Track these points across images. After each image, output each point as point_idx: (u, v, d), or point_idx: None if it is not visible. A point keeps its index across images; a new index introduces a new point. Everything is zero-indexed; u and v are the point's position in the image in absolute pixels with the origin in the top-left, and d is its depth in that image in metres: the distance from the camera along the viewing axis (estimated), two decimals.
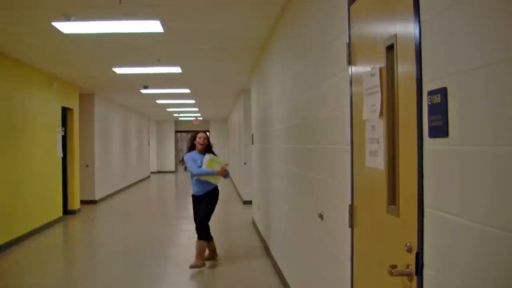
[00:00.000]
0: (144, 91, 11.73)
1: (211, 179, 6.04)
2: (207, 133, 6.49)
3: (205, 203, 6.11)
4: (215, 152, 6.33)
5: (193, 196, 6.30)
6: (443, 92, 1.55)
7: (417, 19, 1.72)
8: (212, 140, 6.52)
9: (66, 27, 5.54)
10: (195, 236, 6.21)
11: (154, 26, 5.62)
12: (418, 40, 1.72)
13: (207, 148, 6.20)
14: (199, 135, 6.22)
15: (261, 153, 7.31)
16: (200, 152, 6.16)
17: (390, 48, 1.98)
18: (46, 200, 9.04)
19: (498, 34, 1.29)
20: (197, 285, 5.68)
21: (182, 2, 5.02)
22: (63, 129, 10.29)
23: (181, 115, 22.04)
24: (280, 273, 5.40)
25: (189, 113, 20.94)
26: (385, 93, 2.04)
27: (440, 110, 1.56)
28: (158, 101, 14.89)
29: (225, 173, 6.05)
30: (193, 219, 6.43)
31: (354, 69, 2.54)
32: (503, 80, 1.27)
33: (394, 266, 1.86)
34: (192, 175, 6.12)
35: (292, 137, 4.58)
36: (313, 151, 3.67)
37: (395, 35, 1.93)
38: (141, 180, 20.00)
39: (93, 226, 10.30)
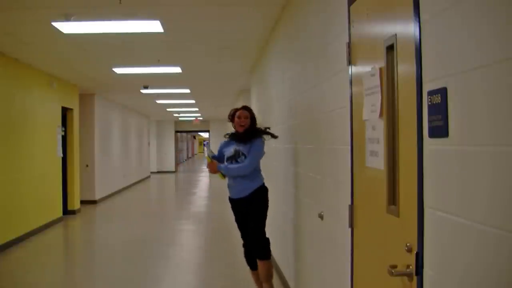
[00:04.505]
0: (144, 91, 11.73)
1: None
2: (250, 111, 4.64)
3: (254, 211, 4.47)
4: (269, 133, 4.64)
5: (230, 199, 4.66)
6: (443, 92, 1.55)
7: (417, 19, 1.72)
8: (261, 120, 4.65)
9: (66, 27, 5.54)
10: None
11: (154, 26, 5.63)
12: (418, 40, 1.71)
13: (252, 132, 4.52)
14: (238, 113, 4.55)
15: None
16: (242, 136, 4.50)
17: (390, 48, 1.98)
18: (46, 200, 9.04)
19: (498, 34, 1.29)
20: (197, 285, 5.68)
21: (182, 2, 5.03)
22: (63, 129, 10.29)
23: (181, 115, 22.05)
24: (280, 272, 5.41)
25: (189, 113, 20.95)
26: (385, 93, 2.04)
27: (440, 110, 1.56)
28: (158, 101, 14.90)
29: (212, 169, 4.53)
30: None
31: (354, 69, 2.54)
32: (503, 80, 1.27)
33: (394, 266, 1.86)
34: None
35: (292, 137, 4.58)
36: (313, 151, 3.67)
37: (395, 35, 1.93)
38: (141, 180, 20.00)
39: (93, 226, 10.30)
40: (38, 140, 8.64)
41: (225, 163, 4.50)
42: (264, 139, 4.54)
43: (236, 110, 4.60)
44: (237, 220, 4.65)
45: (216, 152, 4.72)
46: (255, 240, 4.49)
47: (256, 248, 4.50)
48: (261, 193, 4.49)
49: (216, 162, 4.55)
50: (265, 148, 4.57)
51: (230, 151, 4.52)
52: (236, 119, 4.53)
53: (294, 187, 4.48)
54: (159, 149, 25.25)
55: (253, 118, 4.57)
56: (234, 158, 4.45)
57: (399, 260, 1.87)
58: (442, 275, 1.59)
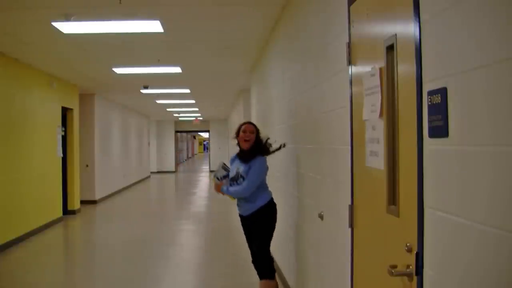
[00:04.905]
0: (144, 91, 11.74)
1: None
2: (254, 126, 4.52)
3: (256, 230, 4.36)
4: (271, 146, 4.50)
5: (239, 216, 4.57)
6: (443, 92, 1.55)
7: (417, 19, 1.72)
8: (264, 134, 4.58)
9: (66, 27, 5.54)
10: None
11: (154, 26, 5.63)
12: (418, 40, 1.72)
13: (257, 148, 4.38)
14: (243, 127, 4.44)
15: None
16: (244, 154, 4.38)
17: (390, 48, 1.98)
18: (46, 200, 9.04)
19: (498, 34, 1.29)
20: (197, 285, 5.68)
21: (182, 2, 5.03)
22: (63, 129, 10.29)
23: (181, 115, 22.06)
24: (280, 273, 5.40)
25: (189, 113, 20.95)
26: (385, 93, 2.04)
27: (440, 110, 1.56)
28: (158, 101, 14.90)
29: (218, 191, 4.49)
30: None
31: (354, 69, 2.54)
32: (503, 80, 1.27)
33: (394, 266, 1.86)
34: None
35: (292, 137, 4.58)
36: (313, 151, 3.67)
37: (395, 35, 1.93)
38: (141, 180, 20.00)
39: (93, 226, 10.30)
40: (38, 140, 8.64)
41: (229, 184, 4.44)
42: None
43: (242, 125, 4.50)
44: (245, 235, 4.59)
45: (230, 167, 4.56)
46: (258, 258, 4.37)
47: (258, 267, 4.38)
48: (265, 211, 4.32)
49: (223, 183, 4.46)
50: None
51: (233, 172, 4.41)
52: (241, 133, 4.38)
53: (294, 187, 4.47)
54: (159, 149, 25.25)
55: (257, 135, 4.43)
56: (235, 179, 4.36)
57: (399, 260, 1.87)
58: (442, 275, 1.59)
